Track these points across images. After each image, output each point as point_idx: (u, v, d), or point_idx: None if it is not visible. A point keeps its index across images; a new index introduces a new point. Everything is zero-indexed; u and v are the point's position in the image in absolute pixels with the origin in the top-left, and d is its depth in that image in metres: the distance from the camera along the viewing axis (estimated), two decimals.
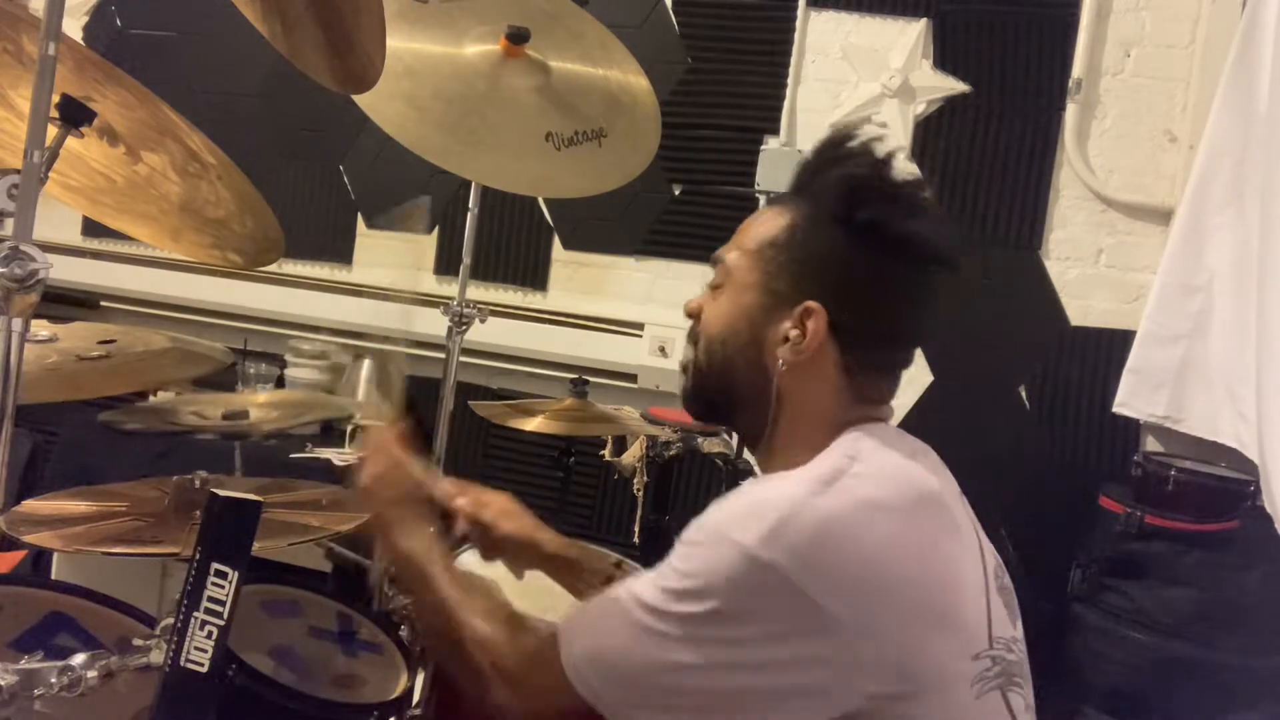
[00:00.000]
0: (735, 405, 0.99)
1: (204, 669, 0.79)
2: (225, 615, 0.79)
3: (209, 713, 0.80)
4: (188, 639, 0.79)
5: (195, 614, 0.79)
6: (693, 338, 1.03)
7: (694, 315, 1.03)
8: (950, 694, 0.82)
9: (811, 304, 0.92)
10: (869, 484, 0.85)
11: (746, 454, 2.12)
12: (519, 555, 1.27)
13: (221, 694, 0.81)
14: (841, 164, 0.95)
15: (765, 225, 0.98)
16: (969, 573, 0.88)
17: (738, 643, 0.79)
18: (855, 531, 0.81)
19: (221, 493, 0.81)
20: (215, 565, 0.80)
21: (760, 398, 0.95)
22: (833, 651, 0.78)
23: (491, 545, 1.27)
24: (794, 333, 0.93)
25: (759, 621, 0.79)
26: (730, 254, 1.00)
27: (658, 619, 0.82)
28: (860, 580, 0.80)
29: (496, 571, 1.52)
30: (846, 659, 0.78)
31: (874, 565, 0.81)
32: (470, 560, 1.58)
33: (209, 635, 0.80)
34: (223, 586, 0.80)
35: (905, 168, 0.96)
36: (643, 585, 0.86)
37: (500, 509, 1.26)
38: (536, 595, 1.51)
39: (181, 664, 0.79)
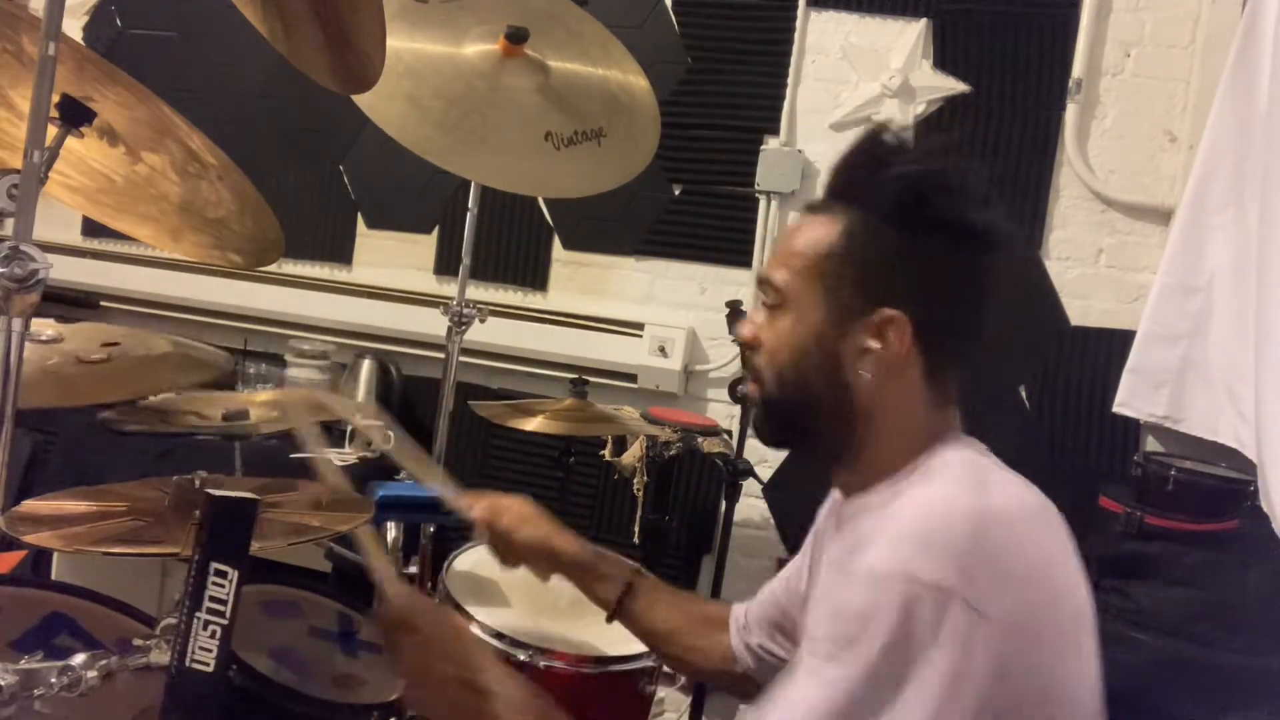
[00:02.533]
0: (817, 428, 0.94)
1: (209, 669, 0.79)
2: (227, 615, 0.79)
3: (214, 712, 0.80)
4: (191, 640, 0.80)
5: (198, 614, 0.80)
6: (752, 367, 0.97)
7: (750, 344, 0.97)
8: None
9: (891, 312, 0.87)
10: (1014, 494, 0.85)
11: (746, 454, 2.11)
12: (538, 562, 1.26)
13: (224, 693, 0.81)
14: (889, 164, 0.89)
15: (814, 237, 0.92)
16: (1089, 600, 0.86)
17: (930, 679, 0.75)
18: (1025, 549, 0.80)
19: (218, 493, 0.81)
20: (215, 565, 0.80)
21: (844, 415, 0.91)
22: (994, 676, 0.75)
23: (510, 553, 1.26)
24: (874, 344, 0.88)
25: (946, 660, 0.74)
26: (778, 273, 0.94)
27: (853, 685, 0.76)
28: (1030, 602, 0.78)
29: (499, 569, 1.52)
30: (1004, 687, 0.76)
31: (1041, 584, 0.80)
32: (470, 559, 1.58)
33: (212, 635, 0.80)
34: (223, 586, 0.80)
35: (956, 158, 0.91)
36: (812, 674, 0.80)
37: (517, 515, 1.25)
38: (541, 594, 1.51)
39: (187, 665, 0.79)
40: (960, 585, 0.74)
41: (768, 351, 0.95)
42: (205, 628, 0.80)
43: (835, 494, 1.02)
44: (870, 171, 0.90)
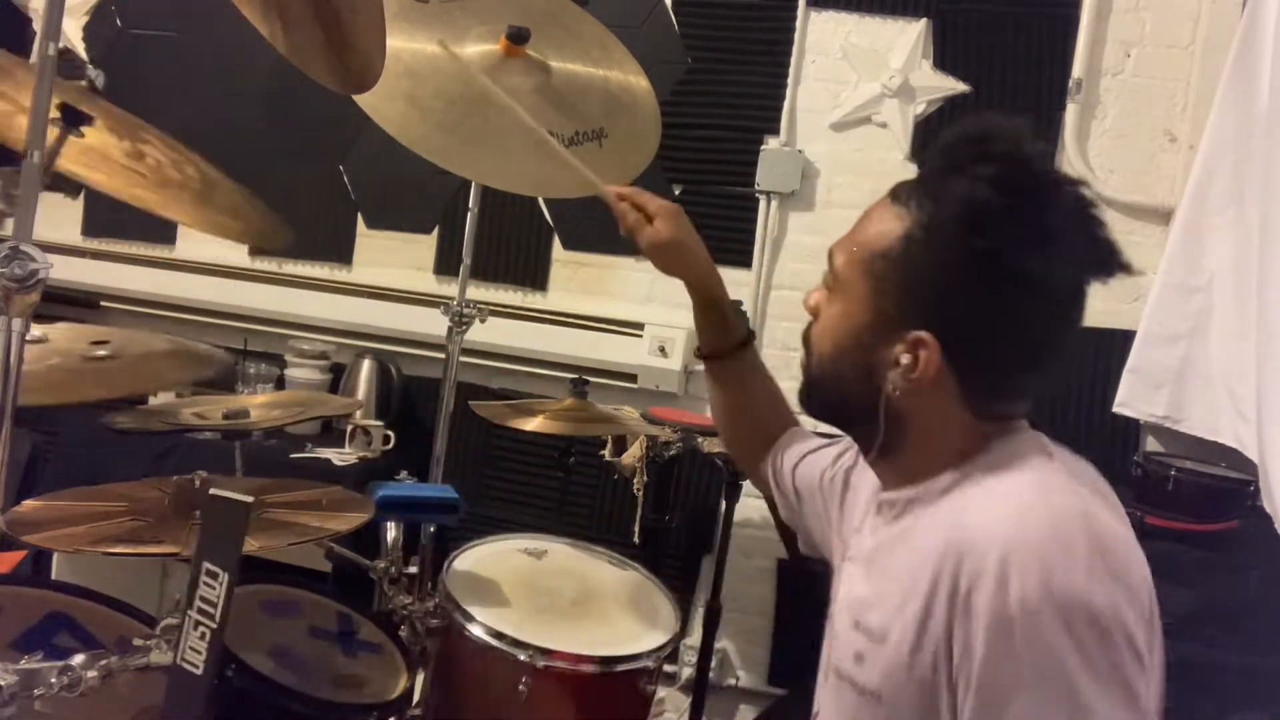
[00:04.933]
0: (847, 417, 0.95)
1: (198, 670, 0.79)
2: (217, 617, 0.79)
3: (205, 713, 0.80)
4: (183, 639, 0.79)
5: (189, 614, 0.79)
6: (806, 337, 0.97)
7: (813, 312, 0.96)
8: None
9: (923, 335, 0.83)
10: (1100, 498, 0.84)
11: None
12: (673, 258, 1.19)
13: (216, 694, 0.81)
14: (969, 169, 0.81)
15: (880, 228, 0.87)
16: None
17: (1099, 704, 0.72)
18: (1130, 547, 0.80)
19: (215, 492, 0.81)
20: (206, 565, 0.79)
21: (871, 413, 0.89)
22: (1141, 687, 0.74)
23: (649, 238, 1.16)
24: (905, 358, 0.84)
25: (1115, 676, 0.73)
26: (840, 255, 0.92)
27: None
28: (1148, 600, 0.77)
29: (499, 569, 1.52)
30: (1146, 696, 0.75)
31: (1147, 578, 0.80)
32: (470, 559, 1.58)
33: (202, 636, 0.79)
34: (214, 588, 0.80)
35: (1052, 176, 0.83)
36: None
37: (664, 207, 1.17)
38: (541, 594, 1.51)
39: (178, 664, 0.79)
40: (1100, 595, 0.73)
41: (818, 330, 0.95)
42: (196, 628, 0.80)
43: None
44: (948, 171, 0.84)
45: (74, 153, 1.12)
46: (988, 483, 0.83)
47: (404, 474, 1.68)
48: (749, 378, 1.25)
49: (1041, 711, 0.73)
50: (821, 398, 0.96)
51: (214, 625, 0.79)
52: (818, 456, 1.18)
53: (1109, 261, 0.82)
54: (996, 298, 0.81)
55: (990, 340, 0.83)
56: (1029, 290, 0.80)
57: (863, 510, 1.01)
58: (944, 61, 2.53)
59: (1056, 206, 0.81)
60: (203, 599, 0.79)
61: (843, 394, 0.92)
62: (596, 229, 2.78)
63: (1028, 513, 0.78)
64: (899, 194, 0.88)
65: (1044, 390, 0.89)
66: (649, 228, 1.16)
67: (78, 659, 0.90)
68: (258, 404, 1.74)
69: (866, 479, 1.02)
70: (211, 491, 0.82)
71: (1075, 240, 0.81)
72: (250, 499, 0.81)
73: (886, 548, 0.92)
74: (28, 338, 0.87)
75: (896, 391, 0.86)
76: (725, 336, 1.22)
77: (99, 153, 1.17)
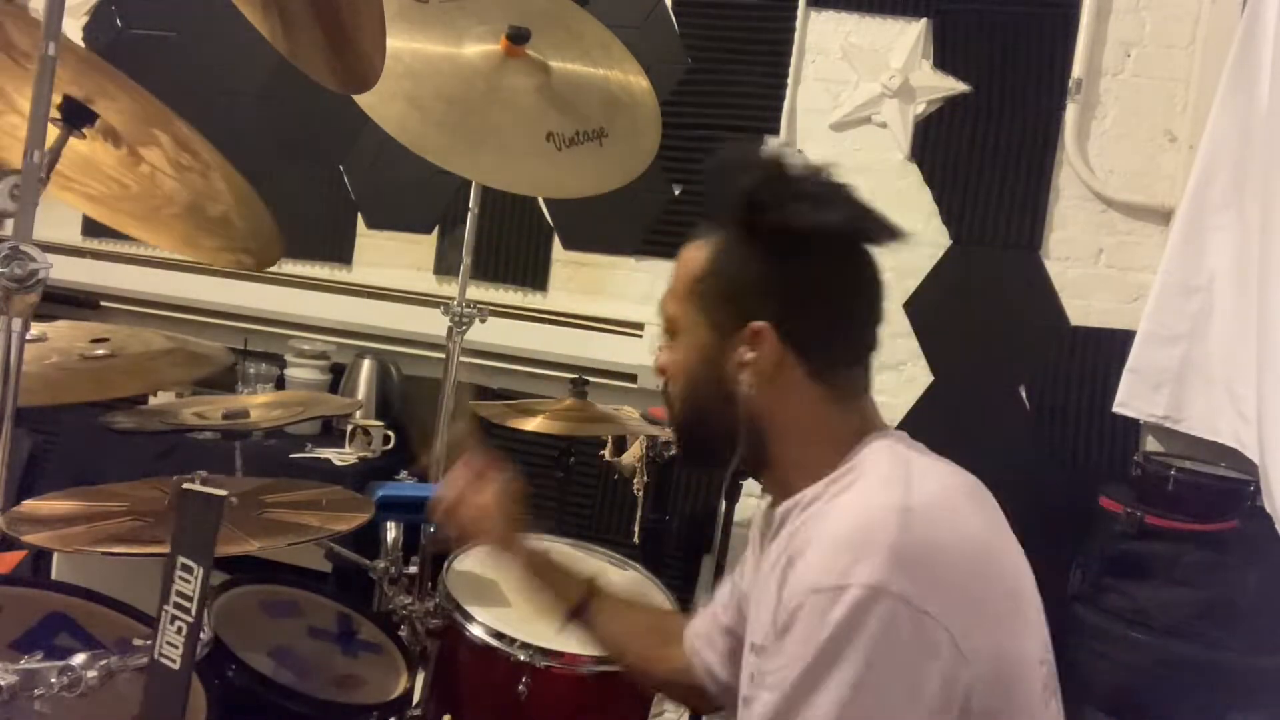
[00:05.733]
0: (723, 444, 0.97)
1: (175, 665, 0.78)
2: (194, 610, 0.79)
3: (180, 709, 0.80)
4: (160, 634, 0.79)
5: (165, 609, 0.79)
6: (666, 397, 1.03)
7: (663, 371, 1.02)
8: (1032, 701, 0.83)
9: (756, 324, 0.91)
10: (936, 483, 0.86)
11: None
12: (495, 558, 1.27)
13: (188, 689, 0.81)
14: (735, 179, 0.95)
15: (690, 263, 0.98)
16: (1028, 569, 0.89)
17: (882, 688, 0.76)
18: (955, 536, 0.82)
19: (189, 486, 0.81)
20: (181, 560, 0.79)
21: (742, 428, 0.94)
22: (951, 667, 0.77)
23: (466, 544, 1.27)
24: (749, 355, 0.92)
25: (902, 660, 0.76)
26: (669, 303, 1.00)
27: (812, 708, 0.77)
28: (965, 587, 0.79)
29: (499, 569, 1.52)
30: (961, 673, 0.77)
31: (975, 567, 0.81)
32: (470, 559, 1.58)
33: (179, 631, 0.79)
34: (189, 581, 0.79)
35: (800, 161, 0.94)
36: (766, 702, 0.81)
37: (478, 513, 1.23)
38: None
39: (155, 659, 0.79)
40: (900, 585, 0.76)
41: (672, 379, 1.01)
42: (172, 623, 0.79)
43: (765, 500, 1.03)
44: (720, 192, 0.97)
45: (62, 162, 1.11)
46: (839, 494, 0.87)
47: (404, 474, 1.68)
48: (615, 611, 1.25)
49: (801, 687, 0.78)
50: (696, 437, 1.02)
51: (190, 619, 0.79)
52: (719, 605, 1.17)
53: (863, 210, 0.92)
54: (795, 264, 0.92)
55: (807, 306, 0.92)
56: (818, 248, 0.91)
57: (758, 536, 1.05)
58: (944, 61, 2.53)
59: (806, 176, 0.93)
60: (178, 593, 0.79)
61: (707, 420, 0.98)
62: (596, 229, 2.78)
63: (845, 512, 0.84)
64: (697, 235, 1.00)
65: (868, 347, 0.96)
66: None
67: (78, 659, 0.90)
68: (258, 404, 1.74)
69: (763, 537, 1.03)
70: (185, 486, 0.81)
71: (833, 196, 0.92)
72: (225, 493, 0.81)
73: (763, 570, 0.96)
74: (27, 337, 0.87)
75: (752, 390, 0.92)
76: (566, 597, 1.23)
77: (88, 160, 1.17)
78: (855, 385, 0.95)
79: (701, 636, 1.17)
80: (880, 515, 0.80)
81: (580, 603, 1.22)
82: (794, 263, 0.92)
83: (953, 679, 0.76)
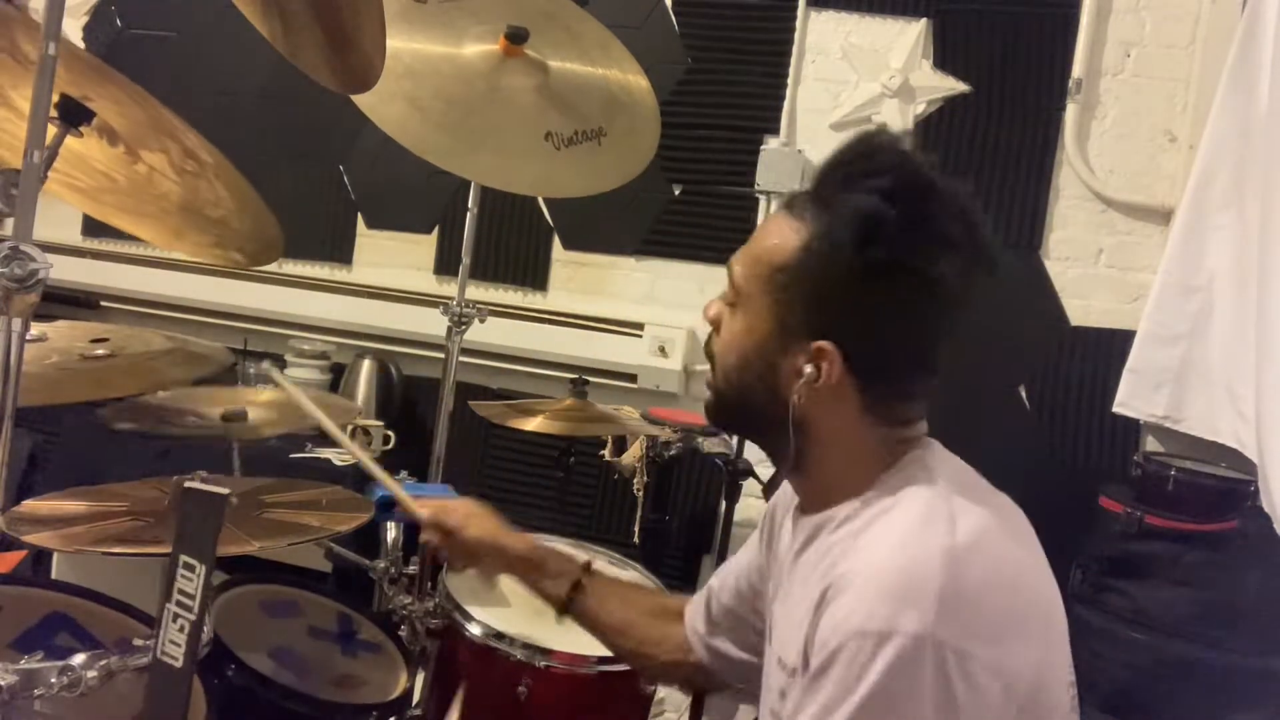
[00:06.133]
0: (756, 428, 0.98)
1: (177, 663, 0.78)
2: (195, 610, 0.79)
3: (182, 708, 0.80)
4: (163, 633, 0.79)
5: (168, 607, 0.79)
6: (709, 350, 0.98)
7: (713, 324, 0.97)
8: None
9: (826, 345, 0.86)
10: (977, 521, 0.83)
11: (747, 454, 2.12)
12: (486, 560, 1.25)
13: (191, 687, 0.81)
14: (861, 183, 0.85)
15: (778, 240, 0.89)
16: (1057, 587, 0.88)
17: None
18: (998, 574, 0.81)
19: (191, 484, 0.81)
20: (183, 558, 0.79)
21: (780, 426, 0.90)
22: (998, 708, 0.76)
23: (458, 552, 1.26)
24: (809, 369, 0.87)
25: (948, 709, 0.75)
26: (739, 268, 0.93)
27: None
28: (1008, 623, 0.79)
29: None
30: (1007, 711, 0.77)
31: (1016, 601, 0.81)
32: None
33: (181, 629, 0.79)
34: (191, 579, 0.79)
35: (938, 183, 0.86)
36: None
37: (463, 513, 1.24)
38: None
39: (158, 657, 0.79)
40: (946, 632, 0.75)
41: (722, 344, 0.96)
42: (174, 620, 0.79)
43: (790, 492, 1.01)
44: (843, 183, 0.87)
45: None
46: (877, 521, 0.85)
47: (404, 474, 1.68)
48: (611, 592, 1.25)
49: None
50: (729, 411, 0.98)
51: (192, 617, 0.79)
52: (729, 576, 1.17)
53: (988, 258, 0.87)
54: (893, 305, 0.86)
55: (888, 346, 0.88)
56: (924, 294, 0.85)
57: (786, 545, 1.01)
58: (944, 61, 2.53)
59: (944, 211, 0.85)
60: (180, 591, 0.79)
61: (750, 406, 0.94)
62: (596, 229, 2.78)
63: (896, 550, 0.81)
64: (794, 206, 0.91)
65: (931, 386, 0.92)
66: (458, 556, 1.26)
67: (78, 659, 0.90)
68: (258, 404, 1.74)
69: (789, 536, 1.01)
70: (186, 485, 0.81)
71: (962, 241, 0.85)
72: (226, 491, 0.81)
73: (795, 583, 0.94)
74: (27, 337, 0.87)
75: (802, 401, 0.88)
76: (558, 584, 1.22)
77: (78, 155, 1.16)
78: (906, 415, 0.92)
79: (701, 614, 1.18)
80: (925, 559, 0.78)
81: (574, 586, 1.21)
82: (888, 300, 0.85)
83: (1000, 711, 0.76)
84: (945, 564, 0.77)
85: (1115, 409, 2.36)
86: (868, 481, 0.88)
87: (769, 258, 0.90)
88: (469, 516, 1.24)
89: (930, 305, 0.86)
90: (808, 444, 0.91)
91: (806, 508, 0.95)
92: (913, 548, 0.80)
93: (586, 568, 1.24)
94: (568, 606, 1.21)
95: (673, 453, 2.23)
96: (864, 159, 0.87)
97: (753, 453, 2.04)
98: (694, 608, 1.20)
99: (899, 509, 0.84)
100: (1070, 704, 0.85)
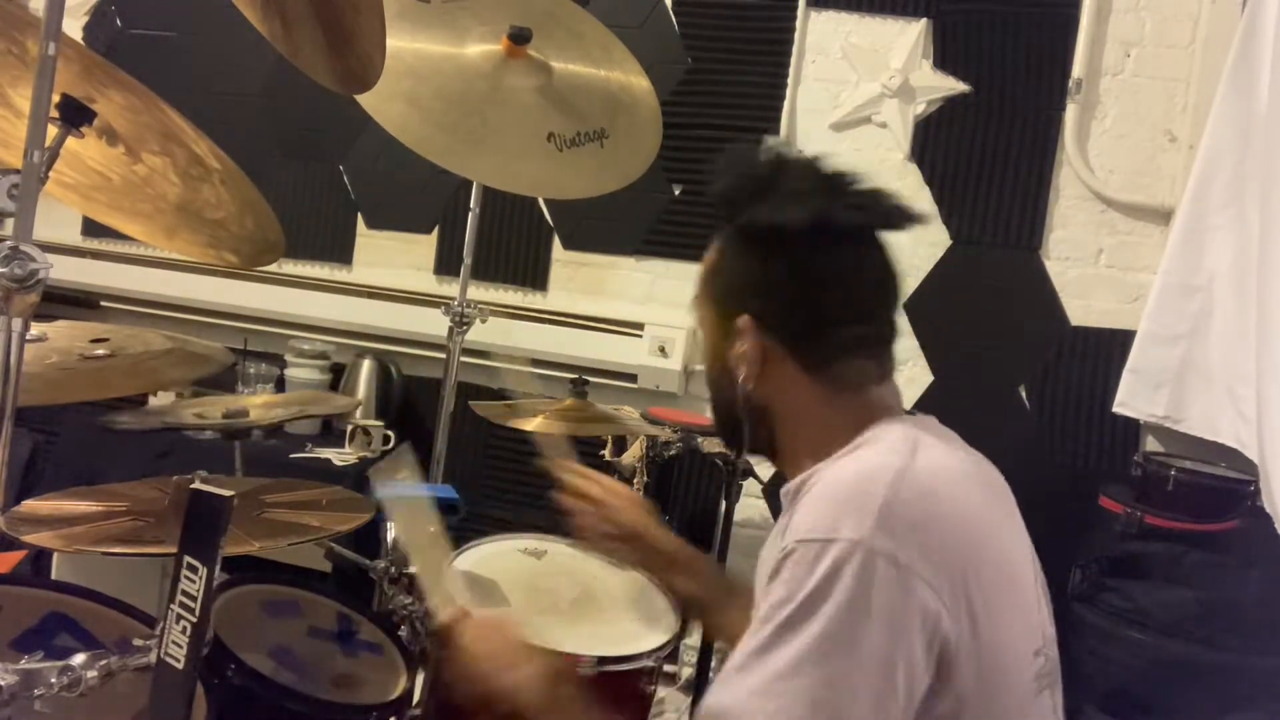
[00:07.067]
0: (741, 431, 1.01)
1: (179, 665, 0.78)
2: (197, 611, 0.79)
3: (185, 708, 0.80)
4: (166, 634, 0.79)
5: (172, 608, 0.79)
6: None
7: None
8: (1019, 689, 0.84)
9: (739, 318, 0.96)
10: (940, 458, 0.87)
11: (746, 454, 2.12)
12: (627, 546, 1.31)
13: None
14: (721, 179, 0.99)
15: (706, 262, 1.03)
16: (1030, 561, 0.91)
17: (859, 642, 0.76)
18: (948, 508, 0.83)
19: (198, 486, 0.81)
20: (188, 560, 0.79)
21: (751, 417, 0.98)
22: (933, 620, 0.77)
23: (600, 526, 1.30)
24: (740, 347, 0.96)
25: (882, 616, 0.76)
26: (695, 301, 1.06)
27: (785, 670, 0.77)
28: (953, 559, 0.80)
29: (499, 569, 1.52)
30: (942, 627, 0.78)
31: (965, 542, 0.82)
32: (470, 559, 1.58)
33: (184, 630, 0.79)
34: (194, 581, 0.79)
35: (792, 157, 0.98)
36: (748, 643, 0.82)
37: (625, 495, 1.30)
38: (541, 594, 1.51)
39: (162, 658, 0.79)
40: (882, 540, 0.77)
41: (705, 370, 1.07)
42: (178, 622, 0.79)
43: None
44: (711, 191, 1.00)
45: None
46: (844, 459, 0.90)
47: (404, 474, 1.67)
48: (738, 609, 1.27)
49: (781, 632, 0.79)
50: (720, 424, 1.07)
51: (194, 619, 0.78)
52: None
53: (851, 203, 0.93)
54: (768, 260, 0.95)
55: (785, 298, 0.95)
56: (790, 244, 0.93)
57: None
58: (944, 61, 2.53)
59: (790, 171, 0.96)
60: (184, 593, 0.79)
61: (728, 411, 1.02)
62: (596, 229, 2.78)
63: (850, 471, 0.86)
64: (716, 235, 1.04)
65: (868, 338, 0.96)
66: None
67: (78, 659, 0.90)
68: (257, 404, 1.74)
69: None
70: (193, 486, 0.81)
71: (811, 190, 0.94)
72: (232, 494, 0.81)
73: (772, 545, 0.97)
74: (27, 337, 0.87)
75: (749, 383, 0.96)
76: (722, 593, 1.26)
77: (72, 153, 1.16)
78: (858, 377, 0.96)
79: None
80: (876, 476, 0.82)
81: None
82: (768, 259, 0.95)
83: (934, 630, 0.77)
84: (892, 484, 0.80)
85: (1115, 409, 2.36)
86: (838, 445, 0.92)
87: (702, 275, 1.04)
88: (623, 498, 1.30)
89: (802, 252, 0.93)
90: (774, 424, 0.98)
91: (790, 478, 0.99)
92: (866, 466, 0.85)
93: (729, 585, 1.26)
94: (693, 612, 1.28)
95: (673, 452, 2.23)
96: (717, 170, 1.00)
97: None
98: None
99: (863, 448, 0.89)
100: (1036, 672, 0.85)
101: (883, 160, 2.57)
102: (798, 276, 0.94)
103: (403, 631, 1.51)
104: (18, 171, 0.86)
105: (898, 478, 0.81)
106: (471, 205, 1.88)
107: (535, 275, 2.83)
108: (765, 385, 0.96)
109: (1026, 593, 0.88)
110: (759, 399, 0.97)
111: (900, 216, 0.95)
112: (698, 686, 2.04)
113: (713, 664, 2.10)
